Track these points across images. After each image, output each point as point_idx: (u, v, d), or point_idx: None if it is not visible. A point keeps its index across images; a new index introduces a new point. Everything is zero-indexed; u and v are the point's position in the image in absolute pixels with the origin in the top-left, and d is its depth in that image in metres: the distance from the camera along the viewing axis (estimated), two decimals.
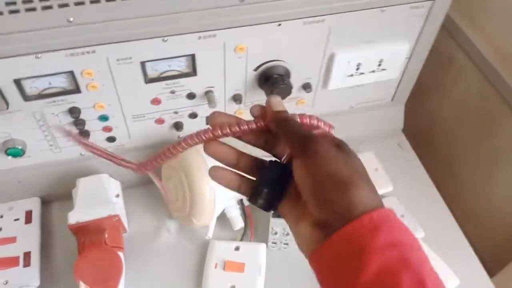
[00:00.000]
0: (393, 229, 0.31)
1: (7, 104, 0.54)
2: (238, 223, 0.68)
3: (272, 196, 0.37)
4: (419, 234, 0.68)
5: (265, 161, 0.38)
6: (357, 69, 0.66)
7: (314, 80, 0.67)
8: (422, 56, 0.70)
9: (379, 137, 0.80)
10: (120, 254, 0.61)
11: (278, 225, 0.66)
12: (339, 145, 0.35)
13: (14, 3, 0.45)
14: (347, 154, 0.34)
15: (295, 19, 0.56)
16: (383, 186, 0.74)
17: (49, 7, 0.46)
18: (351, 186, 0.32)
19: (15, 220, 0.66)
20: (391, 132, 0.81)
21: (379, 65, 0.67)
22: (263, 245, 0.67)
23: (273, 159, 0.38)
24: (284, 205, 0.37)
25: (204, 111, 0.65)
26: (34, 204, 0.67)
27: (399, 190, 0.74)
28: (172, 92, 0.60)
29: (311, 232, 0.34)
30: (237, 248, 0.66)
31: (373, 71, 0.68)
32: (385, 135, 0.80)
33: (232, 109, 0.67)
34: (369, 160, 0.77)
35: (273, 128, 0.36)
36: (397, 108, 0.79)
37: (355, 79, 0.68)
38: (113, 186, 0.68)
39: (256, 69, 0.62)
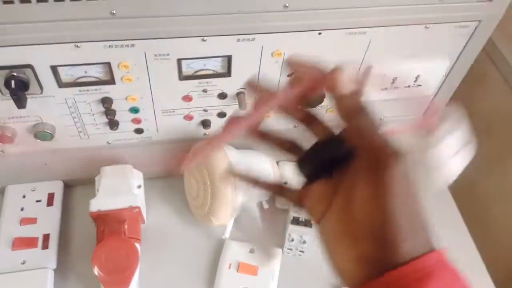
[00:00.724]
0: (442, 279, 0.28)
1: (41, 88, 0.54)
2: (256, 225, 0.68)
3: (321, 168, 0.33)
4: None
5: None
6: (392, 82, 0.65)
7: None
8: (461, 75, 0.68)
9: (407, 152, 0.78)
10: (137, 245, 0.62)
11: (296, 232, 0.65)
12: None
13: None
14: (414, 187, 0.30)
15: (337, 29, 0.55)
16: None
17: None
18: (407, 230, 0.29)
19: (37, 201, 0.66)
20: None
21: (415, 80, 0.66)
22: (278, 250, 0.67)
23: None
24: (327, 218, 0.33)
25: (233, 111, 0.65)
26: (57, 187, 0.68)
27: None
28: (204, 90, 0.60)
29: (355, 265, 0.31)
30: (252, 251, 0.66)
31: (408, 86, 0.66)
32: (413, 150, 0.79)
33: None
34: None
35: (341, 116, 0.31)
36: None
37: (389, 92, 0.67)
38: (136, 177, 0.68)
39: (290, 75, 0.61)
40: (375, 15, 0.55)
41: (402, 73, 0.64)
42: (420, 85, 0.67)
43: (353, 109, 0.31)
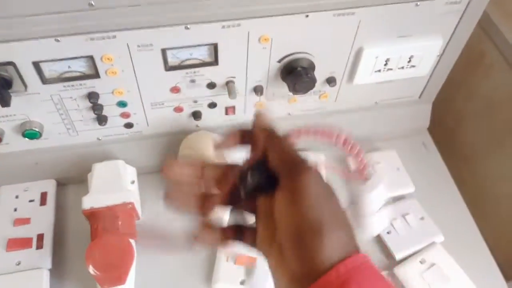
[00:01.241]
0: (364, 280, 0.28)
1: (25, 86, 0.53)
2: (253, 216, 0.66)
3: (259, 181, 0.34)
4: (438, 239, 0.66)
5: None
6: (385, 64, 0.64)
7: (339, 74, 0.64)
8: (455, 54, 0.66)
9: (404, 135, 0.77)
10: (132, 241, 0.61)
11: None
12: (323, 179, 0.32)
13: None
14: (330, 191, 0.32)
15: (325, 10, 0.54)
16: (404, 187, 0.72)
17: None
18: (324, 232, 0.29)
19: (30, 201, 0.65)
20: (416, 131, 0.79)
21: (409, 61, 0.64)
22: None
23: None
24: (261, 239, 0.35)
25: (224, 101, 0.64)
26: (49, 186, 0.67)
27: (420, 191, 0.72)
28: (192, 81, 0.59)
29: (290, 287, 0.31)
30: None
31: (402, 68, 0.65)
32: (410, 133, 0.78)
33: (252, 100, 0.65)
34: (391, 159, 0.74)
35: (258, 143, 0.35)
36: (424, 106, 0.76)
37: (382, 75, 0.65)
38: (129, 173, 0.67)
39: (279, 61, 0.60)
40: None
41: (394, 53, 0.62)
42: (414, 66, 0.65)
43: (267, 136, 0.35)
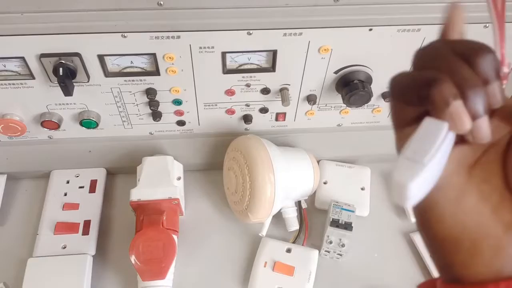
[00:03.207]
0: None
1: (88, 77, 0.55)
2: (293, 224, 0.66)
3: None
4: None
5: None
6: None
7: None
8: None
9: None
10: (175, 237, 0.62)
11: (335, 235, 0.64)
12: None
13: None
14: None
15: (389, 25, 0.53)
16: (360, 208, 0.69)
17: None
18: None
19: (80, 187, 0.68)
20: None
21: None
22: (316, 252, 0.65)
23: None
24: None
25: (276, 107, 0.64)
26: (99, 174, 0.69)
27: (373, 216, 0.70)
28: (248, 85, 0.59)
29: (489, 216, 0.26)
30: (288, 250, 0.65)
31: None
32: None
33: (304, 109, 0.65)
34: (360, 176, 0.72)
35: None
36: None
37: None
38: (176, 169, 0.68)
39: (336, 72, 0.59)
40: (430, 11, 0.52)
41: None
42: None
43: None
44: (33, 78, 0.54)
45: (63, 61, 0.52)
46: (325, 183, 0.71)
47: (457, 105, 0.23)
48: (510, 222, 0.25)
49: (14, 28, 0.48)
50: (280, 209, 0.66)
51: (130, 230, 0.63)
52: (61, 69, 0.51)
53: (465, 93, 0.23)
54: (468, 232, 0.26)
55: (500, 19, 0.26)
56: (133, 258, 0.58)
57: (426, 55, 0.26)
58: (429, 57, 0.26)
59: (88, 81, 0.56)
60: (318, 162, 0.71)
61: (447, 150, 0.25)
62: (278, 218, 0.67)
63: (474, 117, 0.23)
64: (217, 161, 0.69)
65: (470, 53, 0.24)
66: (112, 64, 0.54)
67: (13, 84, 0.55)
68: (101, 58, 0.53)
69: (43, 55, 0.51)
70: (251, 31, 0.51)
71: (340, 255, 0.65)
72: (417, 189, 0.24)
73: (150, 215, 0.61)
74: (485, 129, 0.24)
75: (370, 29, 0.53)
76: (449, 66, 0.24)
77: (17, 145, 0.66)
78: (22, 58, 0.52)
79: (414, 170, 0.24)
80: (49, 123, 0.60)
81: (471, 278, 0.26)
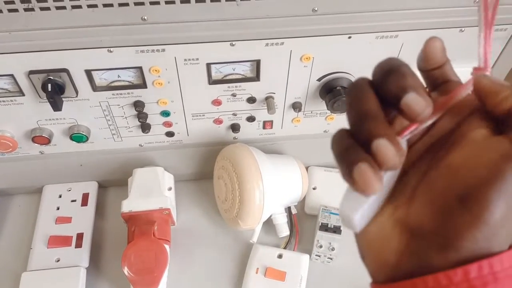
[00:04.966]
0: None
1: (76, 92, 0.56)
2: (284, 230, 0.67)
3: None
4: None
5: None
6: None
7: None
8: None
9: None
10: (166, 247, 0.62)
11: (324, 239, 0.65)
12: None
13: None
14: None
15: (367, 32, 0.55)
16: None
17: (126, 4, 0.47)
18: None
19: (72, 201, 0.69)
20: None
21: None
22: (306, 256, 0.66)
23: None
24: None
25: (262, 115, 0.65)
26: (91, 188, 0.70)
27: None
28: (233, 95, 0.61)
29: (401, 245, 0.27)
30: (280, 256, 0.66)
31: None
32: None
33: (290, 116, 0.66)
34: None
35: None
36: None
37: None
38: (167, 179, 0.69)
39: (319, 79, 0.61)
40: (407, 18, 0.54)
41: None
42: None
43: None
44: (23, 94, 0.56)
45: (51, 77, 0.53)
46: (314, 188, 0.73)
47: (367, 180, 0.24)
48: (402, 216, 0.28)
49: (2, 46, 0.49)
50: (270, 216, 0.67)
51: (123, 241, 0.63)
52: (49, 85, 0.52)
53: (371, 149, 0.24)
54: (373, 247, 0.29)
55: (488, 27, 0.28)
56: (125, 269, 0.59)
57: (349, 92, 0.28)
58: (351, 96, 0.28)
59: (76, 96, 0.57)
60: (306, 168, 0.73)
61: (390, 180, 0.28)
62: (269, 224, 0.68)
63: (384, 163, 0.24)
64: (207, 171, 0.71)
65: (381, 80, 0.27)
66: (100, 78, 0.56)
67: (3, 101, 0.56)
68: (88, 73, 0.54)
69: (31, 72, 0.52)
70: (233, 42, 0.53)
71: (331, 259, 0.66)
72: (362, 217, 0.27)
73: (141, 226, 0.62)
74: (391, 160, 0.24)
75: (349, 37, 0.55)
76: (360, 112, 0.26)
77: (9, 161, 0.67)
78: (11, 76, 0.53)
79: (358, 201, 0.26)
80: (40, 138, 0.61)
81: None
